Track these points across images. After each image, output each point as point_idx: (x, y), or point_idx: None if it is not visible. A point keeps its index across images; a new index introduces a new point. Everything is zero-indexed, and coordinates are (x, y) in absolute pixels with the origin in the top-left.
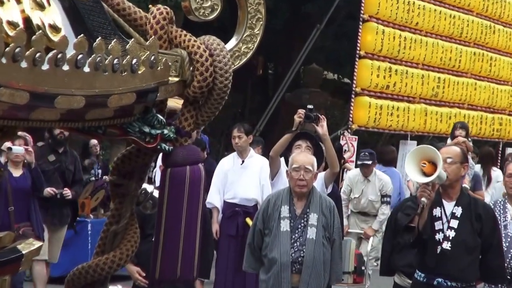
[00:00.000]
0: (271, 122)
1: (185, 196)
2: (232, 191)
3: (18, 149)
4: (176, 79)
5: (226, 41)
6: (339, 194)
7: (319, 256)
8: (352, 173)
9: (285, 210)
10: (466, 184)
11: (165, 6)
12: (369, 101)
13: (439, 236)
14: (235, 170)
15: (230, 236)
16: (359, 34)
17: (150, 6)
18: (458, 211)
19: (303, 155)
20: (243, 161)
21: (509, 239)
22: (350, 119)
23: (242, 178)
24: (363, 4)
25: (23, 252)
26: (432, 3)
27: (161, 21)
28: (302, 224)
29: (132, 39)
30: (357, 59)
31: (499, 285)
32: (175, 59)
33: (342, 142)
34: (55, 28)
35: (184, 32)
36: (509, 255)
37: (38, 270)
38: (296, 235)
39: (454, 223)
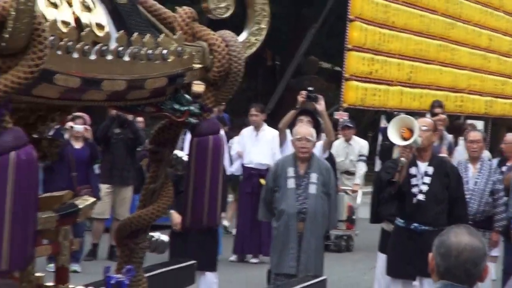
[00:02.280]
0: (278, 103)
1: (208, 160)
2: (249, 158)
3: (78, 127)
4: (199, 65)
5: (238, 34)
6: (334, 159)
7: (319, 208)
8: (336, 142)
9: (290, 171)
10: (445, 153)
11: (189, 7)
12: (356, 84)
13: (414, 190)
14: (251, 140)
15: (248, 193)
16: (347, 31)
17: (176, 7)
18: (430, 169)
19: (304, 128)
20: (257, 134)
21: (469, 193)
22: (342, 99)
23: (257, 147)
24: (349, 7)
25: (80, 206)
26: (405, 5)
27: (186, 19)
28: (305, 182)
29: (163, 34)
30: (346, 52)
31: None
32: (198, 49)
33: (336, 117)
34: (100, 26)
35: (205, 27)
36: (469, 206)
37: (96, 225)
38: (300, 190)
39: (427, 179)
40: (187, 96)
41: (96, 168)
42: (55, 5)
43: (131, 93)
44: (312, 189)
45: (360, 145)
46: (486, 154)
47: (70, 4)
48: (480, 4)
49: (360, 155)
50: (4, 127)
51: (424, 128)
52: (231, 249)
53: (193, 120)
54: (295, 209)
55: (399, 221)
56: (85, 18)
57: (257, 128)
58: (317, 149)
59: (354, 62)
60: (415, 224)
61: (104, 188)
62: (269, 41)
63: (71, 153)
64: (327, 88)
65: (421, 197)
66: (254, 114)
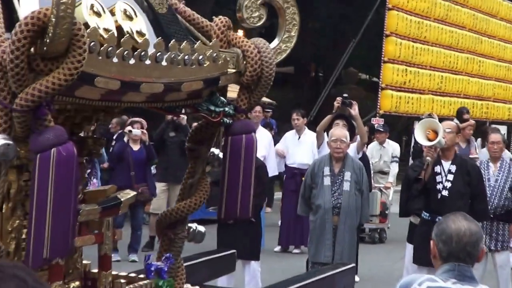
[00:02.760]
0: (321, 110)
1: (241, 157)
2: (292, 158)
3: (136, 131)
4: (233, 70)
5: (270, 41)
6: (367, 158)
7: (352, 203)
8: (371, 145)
9: (326, 170)
10: (475, 154)
11: (225, 17)
12: (391, 93)
13: (439, 186)
14: (294, 142)
15: (291, 190)
16: (383, 45)
17: (213, 17)
18: (453, 168)
19: (339, 130)
20: (299, 137)
21: (490, 189)
22: (378, 106)
23: (299, 148)
24: (386, 24)
25: (122, 199)
26: (436, 22)
27: (221, 28)
28: (339, 180)
29: (199, 41)
30: (382, 64)
31: (484, 222)
32: (232, 55)
33: (373, 122)
34: (140, 34)
35: (239, 35)
36: (491, 201)
37: (153, 219)
38: (335, 187)
39: (450, 177)
40: (222, 98)
41: (153, 168)
42: (98, 14)
43: (169, 95)
44: (346, 186)
45: (393, 147)
46: (507, 154)
47: (112, 13)
48: (505, 21)
49: (393, 157)
50: (46, 126)
51: (448, 130)
52: (276, 241)
53: (227, 120)
54: (330, 204)
55: (425, 215)
56: (126, 26)
57: (299, 131)
58: (352, 150)
59: (389, 73)
60: (440, 217)
61: (160, 186)
62: (313, 54)
63: (130, 154)
64: (366, 97)
65: (445, 193)
66: (296, 118)
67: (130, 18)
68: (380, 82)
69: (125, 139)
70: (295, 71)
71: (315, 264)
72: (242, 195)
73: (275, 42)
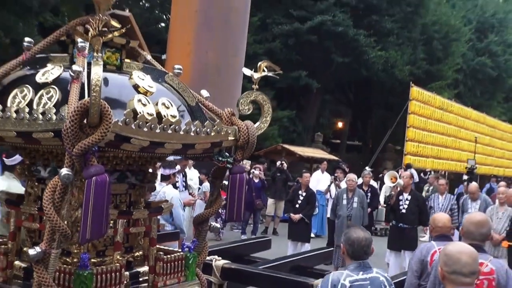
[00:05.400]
0: (372, 165)
1: (237, 185)
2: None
3: (256, 172)
4: (232, 138)
5: (255, 122)
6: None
7: (358, 214)
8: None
9: (344, 196)
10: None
11: (230, 108)
12: (410, 157)
13: (401, 207)
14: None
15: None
16: (406, 132)
17: (227, 109)
18: (409, 197)
19: (352, 175)
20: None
21: (438, 210)
22: (403, 163)
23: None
24: (408, 120)
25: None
26: (438, 121)
27: (228, 114)
28: (351, 201)
29: (208, 120)
30: (405, 141)
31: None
32: (232, 129)
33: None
34: (173, 116)
35: (237, 118)
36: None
37: (267, 219)
38: (349, 205)
39: (407, 202)
40: (226, 153)
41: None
42: (144, 104)
43: (188, 150)
44: (355, 205)
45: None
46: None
47: (156, 105)
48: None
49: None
50: (91, 164)
51: (405, 177)
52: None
53: (229, 165)
54: (346, 214)
55: (393, 222)
56: (163, 112)
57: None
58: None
59: (409, 146)
60: (401, 224)
61: (271, 201)
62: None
63: (253, 184)
64: (396, 158)
65: (403, 210)
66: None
67: (167, 108)
68: (404, 151)
69: (251, 175)
70: (362, 144)
71: (337, 247)
72: (237, 205)
73: (257, 123)
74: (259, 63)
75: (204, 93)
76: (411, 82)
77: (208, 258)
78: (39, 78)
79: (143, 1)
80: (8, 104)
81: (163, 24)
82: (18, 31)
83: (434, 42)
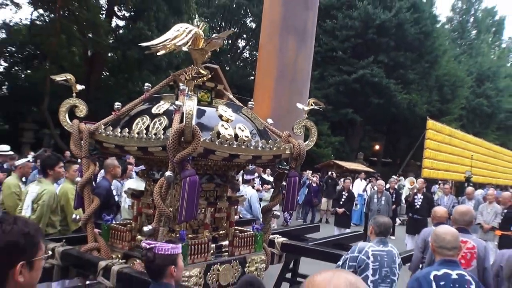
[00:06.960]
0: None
1: (291, 185)
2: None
3: (314, 179)
4: (289, 152)
5: (305, 141)
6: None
7: (386, 209)
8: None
9: (375, 196)
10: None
11: (287, 131)
12: (427, 170)
13: (416, 203)
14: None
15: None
16: (424, 152)
17: (285, 132)
18: (422, 197)
19: (380, 181)
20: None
21: (443, 204)
22: (422, 176)
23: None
24: (425, 143)
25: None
26: (451, 146)
27: (286, 136)
28: (380, 200)
29: (271, 139)
30: (423, 159)
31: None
32: (288, 146)
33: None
34: (246, 136)
35: (293, 138)
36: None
37: (321, 214)
38: (378, 202)
39: (420, 200)
40: (284, 162)
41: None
42: (225, 128)
43: (257, 160)
44: (383, 202)
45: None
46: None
47: (234, 128)
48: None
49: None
50: (186, 168)
51: (420, 181)
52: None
53: (286, 171)
54: (376, 208)
55: (410, 214)
56: (239, 133)
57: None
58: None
59: (427, 162)
60: (415, 215)
61: (324, 200)
62: (397, 152)
63: (312, 188)
64: (417, 172)
65: (418, 206)
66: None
67: (242, 130)
68: (422, 166)
69: (310, 181)
70: (392, 161)
71: None
72: (291, 200)
73: (307, 142)
74: (308, 99)
75: (269, 120)
76: (427, 117)
77: (272, 236)
78: (154, 110)
79: (239, 61)
80: (133, 128)
81: (252, 78)
82: (151, 82)
83: (445, 88)
